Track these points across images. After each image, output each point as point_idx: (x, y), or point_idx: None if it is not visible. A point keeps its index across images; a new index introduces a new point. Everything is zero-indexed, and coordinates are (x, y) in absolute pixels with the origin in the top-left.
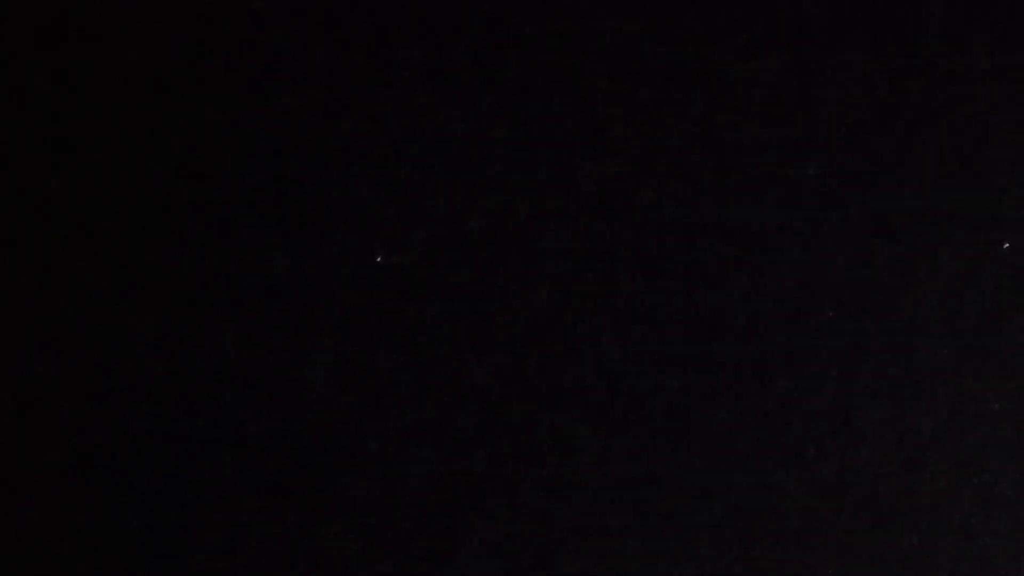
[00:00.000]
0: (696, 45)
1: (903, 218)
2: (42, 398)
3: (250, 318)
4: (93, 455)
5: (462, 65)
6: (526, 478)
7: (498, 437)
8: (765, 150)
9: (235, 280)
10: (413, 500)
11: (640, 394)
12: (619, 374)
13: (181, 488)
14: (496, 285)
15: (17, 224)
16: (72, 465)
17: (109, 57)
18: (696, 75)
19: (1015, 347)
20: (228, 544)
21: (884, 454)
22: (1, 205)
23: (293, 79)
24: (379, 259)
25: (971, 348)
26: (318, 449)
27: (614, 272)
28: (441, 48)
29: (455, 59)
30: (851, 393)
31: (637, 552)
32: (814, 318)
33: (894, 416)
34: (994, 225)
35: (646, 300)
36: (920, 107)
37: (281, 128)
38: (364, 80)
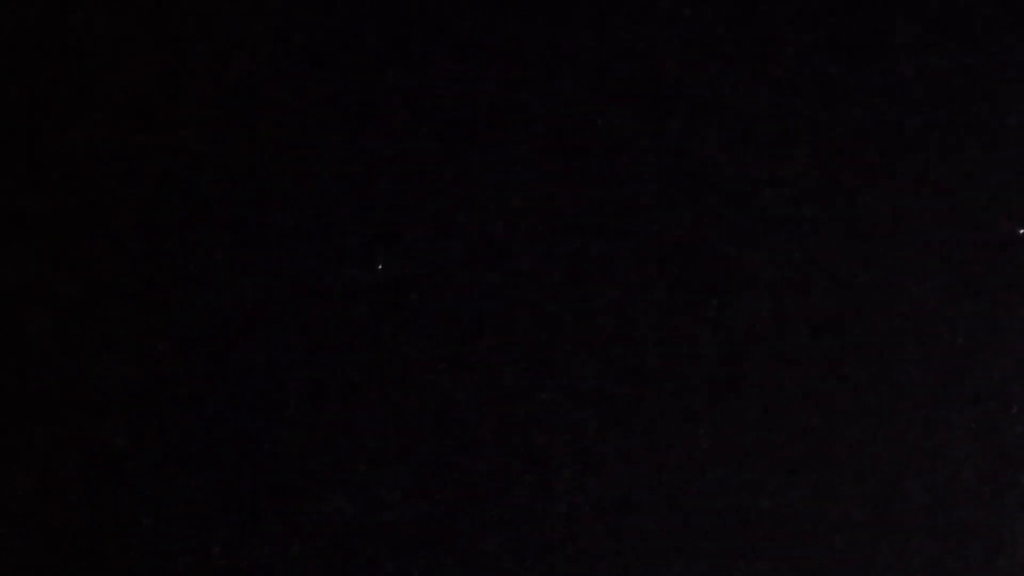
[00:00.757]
0: (672, 65)
1: (877, 241)
2: (13, 414)
3: (224, 337)
4: (67, 470)
5: (440, 84)
6: (502, 499)
7: (473, 458)
8: (741, 171)
9: (209, 299)
10: (388, 520)
11: (617, 415)
12: (595, 394)
13: (155, 509)
14: (472, 304)
15: None
16: (45, 483)
17: (87, 70)
18: (673, 94)
19: (989, 369)
20: (201, 565)
21: (859, 475)
22: None
23: (273, 97)
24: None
25: (945, 370)
26: (290, 471)
27: (591, 291)
28: (419, 68)
29: (433, 78)
30: (828, 414)
31: (613, 572)
32: (791, 340)
33: (869, 438)
34: (970, 249)
35: (623, 320)
36: (888, 135)
37: (259, 146)
38: (343, 99)
